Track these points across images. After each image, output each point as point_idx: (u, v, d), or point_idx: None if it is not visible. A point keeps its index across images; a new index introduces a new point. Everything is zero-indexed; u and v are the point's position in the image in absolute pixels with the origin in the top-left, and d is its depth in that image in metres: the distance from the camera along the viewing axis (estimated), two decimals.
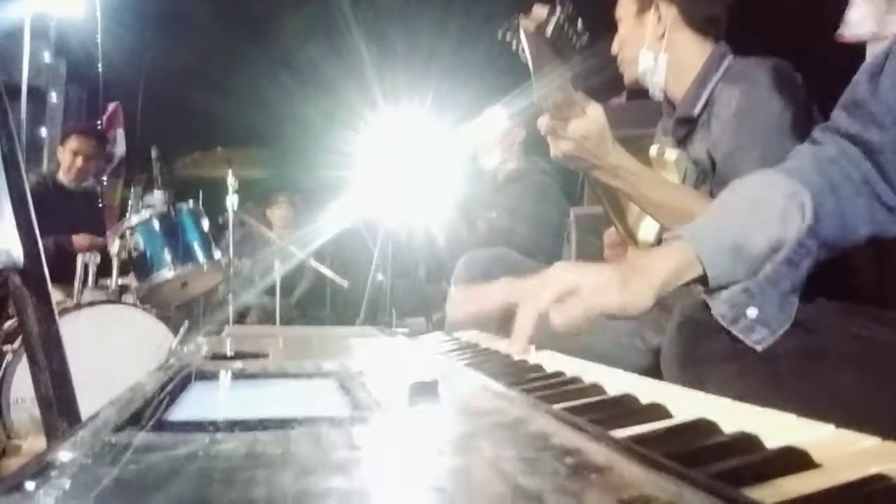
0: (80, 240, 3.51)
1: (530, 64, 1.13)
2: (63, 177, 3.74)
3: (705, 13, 1.49)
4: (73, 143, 3.70)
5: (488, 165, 3.08)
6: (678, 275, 0.81)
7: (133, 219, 3.18)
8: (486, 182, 3.12)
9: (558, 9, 1.03)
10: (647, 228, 1.52)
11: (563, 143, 1.25)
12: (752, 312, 0.81)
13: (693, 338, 0.89)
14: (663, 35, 1.49)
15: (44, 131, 5.20)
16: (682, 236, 0.84)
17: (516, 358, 0.79)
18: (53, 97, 5.48)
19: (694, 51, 1.49)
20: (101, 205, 4.09)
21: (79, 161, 3.71)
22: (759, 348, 0.81)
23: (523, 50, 1.12)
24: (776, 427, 0.41)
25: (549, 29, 1.03)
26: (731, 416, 0.43)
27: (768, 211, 0.82)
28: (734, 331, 0.81)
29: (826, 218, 0.83)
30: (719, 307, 0.82)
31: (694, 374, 0.87)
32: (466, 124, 2.99)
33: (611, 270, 0.80)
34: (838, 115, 0.90)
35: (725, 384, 0.82)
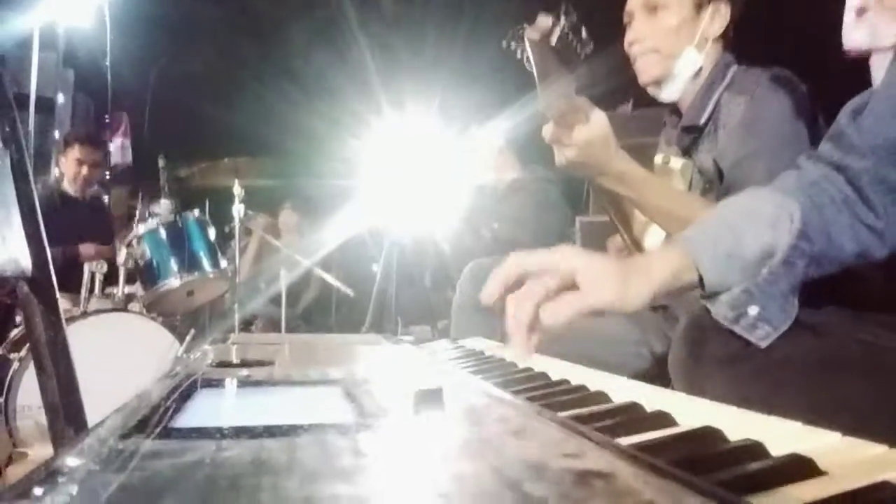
0: (86, 249, 3.52)
1: (535, 73, 1.13)
2: (68, 186, 3.72)
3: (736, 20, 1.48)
4: (77, 151, 3.67)
5: (486, 182, 3.10)
6: (676, 277, 0.83)
7: (140, 227, 3.19)
8: (488, 192, 3.13)
9: (563, 18, 1.03)
10: (653, 237, 1.52)
11: (568, 151, 1.24)
12: (753, 310, 0.84)
13: (699, 342, 0.89)
14: (713, 37, 1.45)
15: (51, 141, 5.22)
16: (679, 241, 0.87)
17: (521, 366, 0.79)
18: (61, 106, 5.49)
19: (711, 58, 1.48)
20: (107, 213, 4.09)
21: (84, 170, 3.69)
22: (762, 345, 0.83)
23: (528, 59, 1.12)
24: (782, 434, 0.41)
25: (554, 38, 1.03)
26: (737, 423, 0.43)
27: (759, 218, 0.86)
28: (737, 329, 0.84)
29: (813, 233, 0.86)
30: (720, 309, 0.85)
31: (700, 378, 0.87)
32: (463, 143, 2.99)
33: (613, 264, 0.81)
34: (823, 146, 0.95)
35: (732, 388, 0.82)
